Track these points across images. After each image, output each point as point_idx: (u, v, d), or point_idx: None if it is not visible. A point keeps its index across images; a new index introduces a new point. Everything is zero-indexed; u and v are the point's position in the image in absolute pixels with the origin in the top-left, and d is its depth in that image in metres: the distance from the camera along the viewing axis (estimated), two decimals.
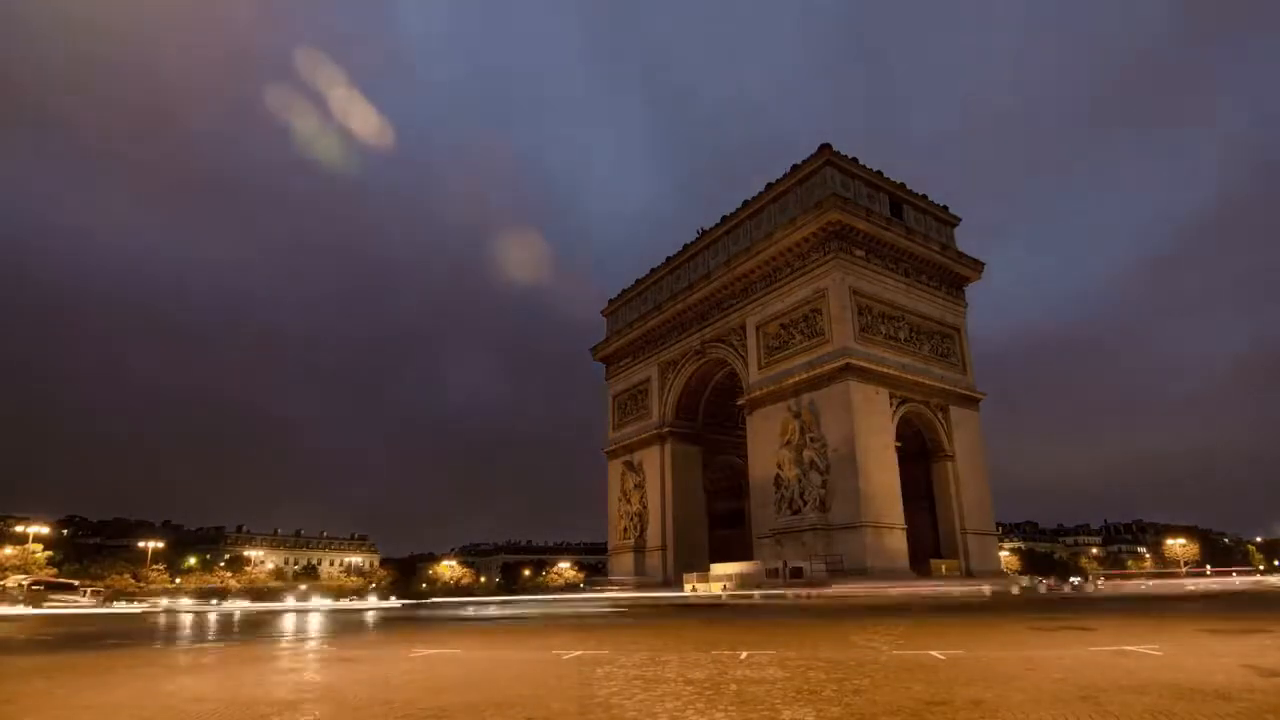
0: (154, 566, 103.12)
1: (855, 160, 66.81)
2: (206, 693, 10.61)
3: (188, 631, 28.42)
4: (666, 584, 72.90)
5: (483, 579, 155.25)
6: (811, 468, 59.99)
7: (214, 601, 76.85)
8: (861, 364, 59.60)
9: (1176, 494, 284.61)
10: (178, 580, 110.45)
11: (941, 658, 12.38)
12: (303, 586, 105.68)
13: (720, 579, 60.25)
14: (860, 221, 63.50)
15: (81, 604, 58.12)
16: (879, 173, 68.39)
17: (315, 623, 33.34)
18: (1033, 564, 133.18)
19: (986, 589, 50.88)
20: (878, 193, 68.09)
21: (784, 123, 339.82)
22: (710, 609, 39.44)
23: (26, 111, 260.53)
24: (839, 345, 60.33)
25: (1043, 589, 64.10)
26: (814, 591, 48.39)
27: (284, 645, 19.57)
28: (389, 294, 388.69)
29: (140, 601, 69.74)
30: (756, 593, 53.20)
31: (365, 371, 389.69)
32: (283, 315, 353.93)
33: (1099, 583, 73.97)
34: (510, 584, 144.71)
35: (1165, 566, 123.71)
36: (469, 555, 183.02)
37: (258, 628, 30.18)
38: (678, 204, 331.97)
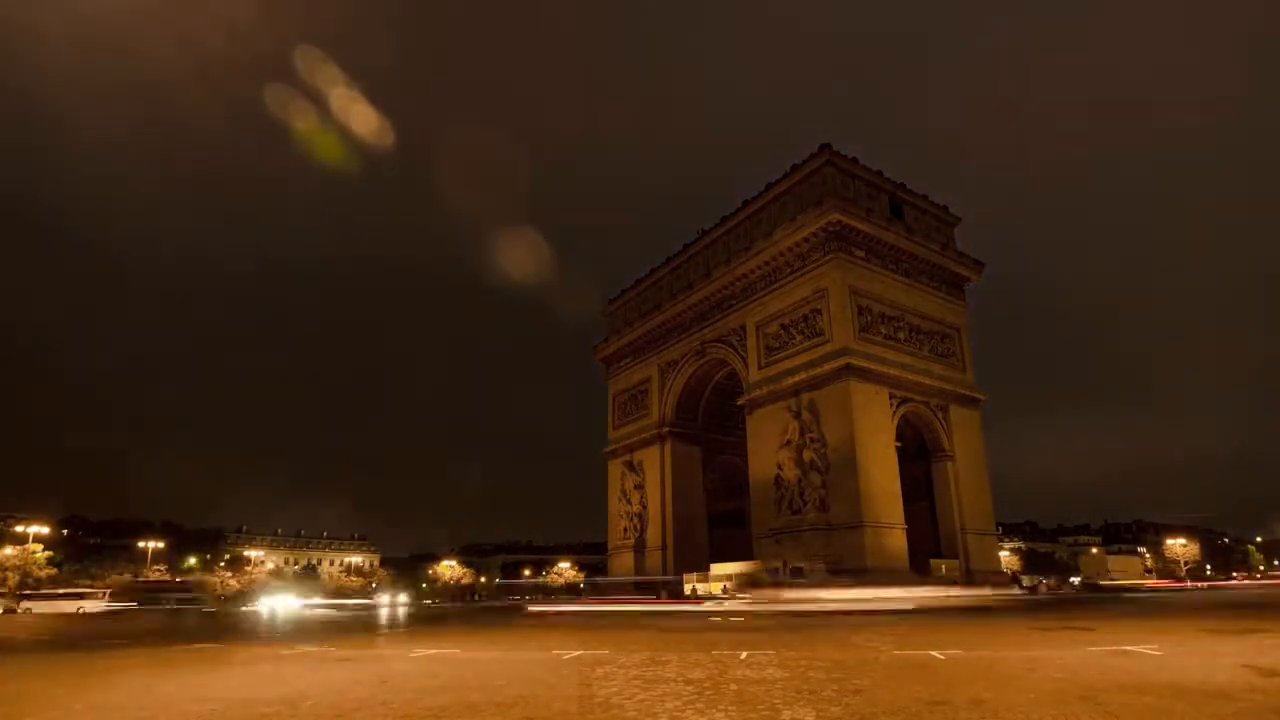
0: (154, 567, 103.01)
1: (855, 160, 66.72)
2: (206, 692, 10.60)
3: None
4: (667, 586, 72.77)
5: (483, 579, 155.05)
6: (811, 468, 59.91)
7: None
8: (862, 364, 59.54)
9: (1176, 494, 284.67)
10: (177, 579, 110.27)
11: (941, 658, 12.36)
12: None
13: (720, 579, 60.22)
14: (861, 221, 63.42)
15: None
16: (879, 172, 68.32)
17: (312, 622, 33.32)
18: (1033, 564, 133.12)
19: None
20: (878, 193, 68.00)
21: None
22: None
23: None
24: (839, 345, 60.27)
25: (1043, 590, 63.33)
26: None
27: (284, 646, 19.57)
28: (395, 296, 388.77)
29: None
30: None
31: (371, 369, 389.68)
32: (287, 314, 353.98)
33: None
34: (510, 584, 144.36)
35: (1167, 566, 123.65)
36: (469, 555, 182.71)
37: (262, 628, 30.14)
38: None
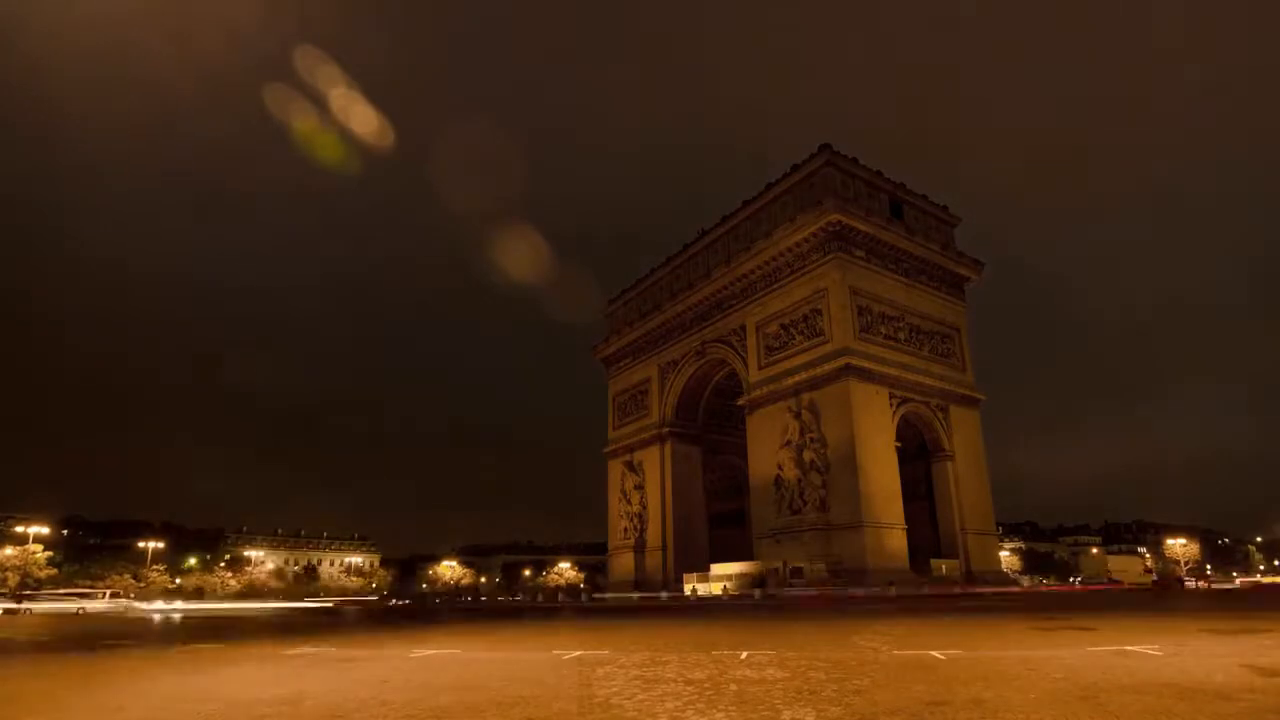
0: (154, 567, 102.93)
1: (855, 160, 66.75)
2: (207, 692, 10.60)
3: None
4: (666, 586, 72.78)
5: (483, 579, 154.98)
6: (811, 468, 59.93)
7: None
8: (862, 364, 59.58)
9: (1176, 494, 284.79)
10: (177, 581, 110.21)
11: (942, 658, 12.36)
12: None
13: (720, 579, 60.21)
14: (860, 222, 63.46)
15: None
16: (879, 173, 68.35)
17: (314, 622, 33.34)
18: (1033, 564, 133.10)
19: None
20: (877, 193, 68.04)
21: None
22: None
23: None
24: (839, 345, 60.31)
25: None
26: None
27: (285, 645, 19.57)
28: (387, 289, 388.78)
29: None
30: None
31: (369, 369, 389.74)
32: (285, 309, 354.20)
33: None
34: (511, 584, 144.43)
35: (1168, 564, 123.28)
36: (469, 555, 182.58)
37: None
38: None
